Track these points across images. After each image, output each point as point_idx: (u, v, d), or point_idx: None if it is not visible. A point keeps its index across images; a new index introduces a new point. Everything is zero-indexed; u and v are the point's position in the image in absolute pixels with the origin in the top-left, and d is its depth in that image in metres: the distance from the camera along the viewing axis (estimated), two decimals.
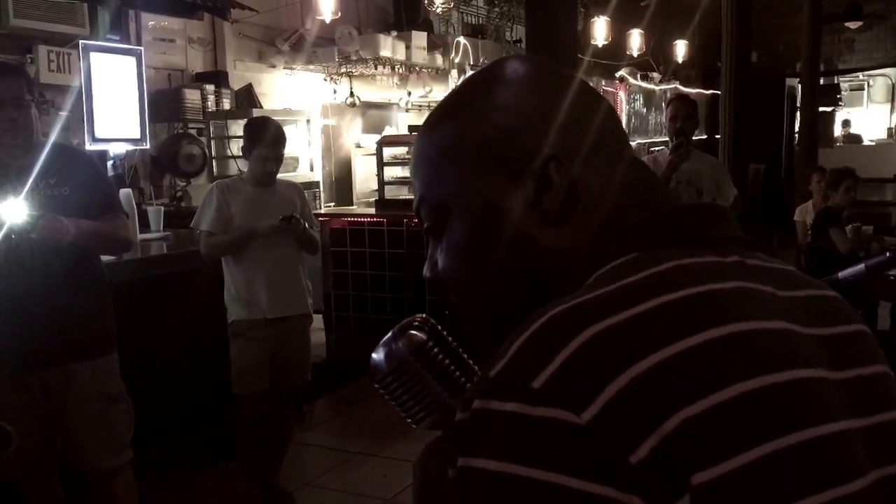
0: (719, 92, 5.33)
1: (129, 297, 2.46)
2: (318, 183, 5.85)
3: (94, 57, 4.04)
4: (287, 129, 3.00)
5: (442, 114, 0.60)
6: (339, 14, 5.07)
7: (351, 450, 3.24)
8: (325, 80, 6.30)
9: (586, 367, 0.43)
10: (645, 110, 9.45)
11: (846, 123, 11.66)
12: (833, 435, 0.46)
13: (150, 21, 5.02)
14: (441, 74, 6.54)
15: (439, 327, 0.59)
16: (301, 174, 5.45)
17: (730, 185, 3.46)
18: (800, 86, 8.09)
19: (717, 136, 5.36)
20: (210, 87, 5.19)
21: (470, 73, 5.17)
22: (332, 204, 6.14)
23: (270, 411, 2.68)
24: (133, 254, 2.71)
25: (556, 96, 0.57)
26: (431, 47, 6.41)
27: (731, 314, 0.46)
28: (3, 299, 1.88)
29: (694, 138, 3.37)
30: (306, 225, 2.67)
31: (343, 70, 6.14)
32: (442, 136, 0.58)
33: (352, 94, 6.30)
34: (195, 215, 2.68)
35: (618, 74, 8.71)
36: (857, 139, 11.11)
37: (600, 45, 7.14)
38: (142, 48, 4.55)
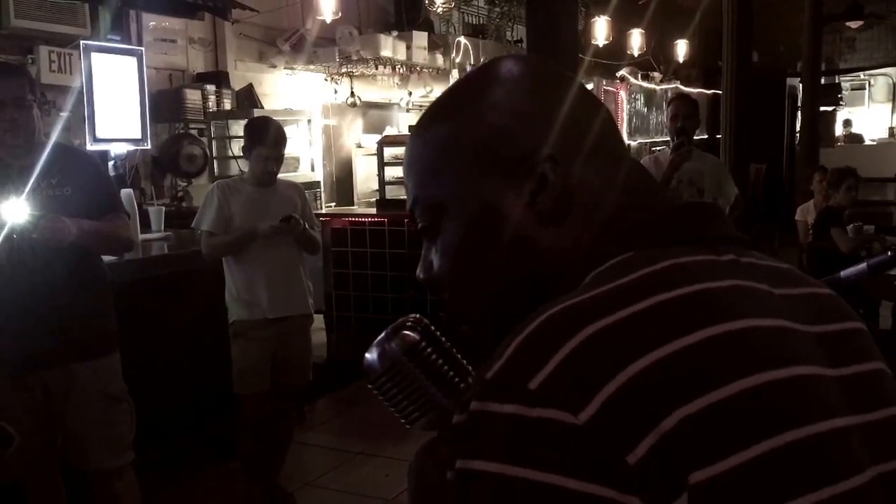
0: (720, 92, 5.33)
1: (131, 298, 2.46)
2: (318, 183, 5.85)
3: (95, 57, 4.04)
4: (288, 130, 3.00)
5: (436, 113, 0.59)
6: (340, 14, 5.07)
7: (352, 450, 3.24)
8: (326, 80, 6.30)
9: (583, 367, 0.43)
10: (646, 110, 9.45)
11: (847, 123, 11.65)
12: (831, 432, 0.46)
13: (151, 21, 5.02)
14: (442, 74, 6.54)
15: (432, 327, 0.59)
16: (302, 174, 5.45)
17: (731, 185, 3.46)
18: (801, 85, 8.08)
19: (719, 136, 5.36)
20: (211, 88, 5.19)
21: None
22: (333, 204, 6.14)
23: (271, 411, 2.68)
24: (134, 254, 2.71)
25: (552, 96, 0.57)
26: (432, 47, 6.41)
27: (728, 312, 0.46)
28: (4, 299, 1.88)
29: (695, 138, 3.36)
30: (307, 225, 2.67)
31: (344, 70, 6.14)
32: (436, 135, 0.58)
33: (352, 94, 6.30)
34: (196, 215, 2.68)
35: (619, 74, 8.70)
36: (858, 139, 11.10)
37: (601, 45, 7.14)
38: (143, 48, 4.56)
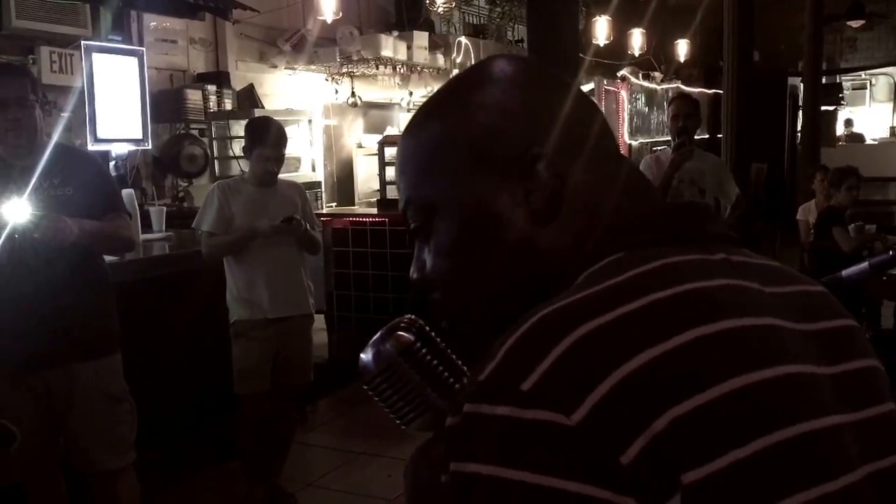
0: (721, 91, 5.32)
1: (131, 298, 2.46)
2: (319, 183, 5.85)
3: (96, 58, 4.04)
4: (289, 130, 3.00)
5: (428, 112, 0.59)
6: (341, 14, 5.07)
7: (354, 450, 3.24)
8: (327, 80, 6.30)
9: (575, 368, 0.43)
10: (647, 110, 9.44)
11: (848, 122, 11.64)
12: (823, 430, 0.46)
13: (152, 22, 5.02)
14: (442, 74, 6.54)
15: (427, 328, 0.59)
16: (303, 174, 5.45)
17: (732, 185, 3.46)
18: (802, 85, 8.08)
19: (720, 136, 5.35)
20: (212, 88, 5.19)
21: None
22: (334, 204, 6.14)
23: (271, 411, 2.68)
24: (135, 254, 2.71)
25: (544, 95, 0.57)
26: (433, 47, 6.41)
27: (719, 311, 0.46)
28: (6, 299, 1.88)
29: (696, 137, 3.36)
30: (307, 225, 2.67)
31: (344, 70, 6.14)
32: (428, 135, 0.58)
33: (353, 94, 6.30)
34: (196, 216, 2.69)
35: (619, 74, 8.70)
36: (859, 138, 11.09)
37: (602, 45, 7.14)
38: (144, 49, 4.56)
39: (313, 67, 6.06)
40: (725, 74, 5.22)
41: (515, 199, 0.54)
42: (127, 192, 2.93)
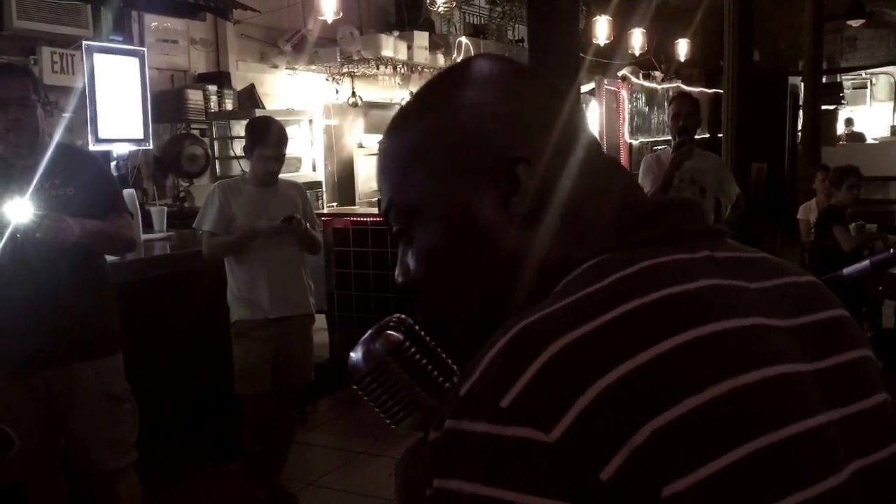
0: (721, 90, 5.32)
1: (132, 297, 2.46)
2: (320, 183, 5.85)
3: (98, 58, 4.04)
4: (289, 130, 3.00)
5: (407, 115, 0.59)
6: (341, 14, 5.07)
7: (355, 450, 3.24)
8: (328, 80, 6.30)
9: (553, 383, 0.42)
10: (647, 109, 9.44)
11: (849, 122, 11.64)
12: (807, 432, 0.46)
13: (153, 22, 5.03)
14: None
15: (416, 326, 0.59)
16: (303, 174, 5.45)
17: (732, 184, 3.46)
18: (802, 84, 8.08)
19: (720, 135, 5.35)
20: (212, 88, 5.19)
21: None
22: (335, 204, 6.14)
23: (272, 411, 2.68)
24: (136, 254, 2.71)
25: (523, 96, 0.56)
26: (433, 47, 6.41)
27: (699, 316, 0.46)
28: (8, 299, 1.89)
29: (696, 137, 3.36)
30: (308, 225, 2.67)
31: (345, 70, 6.14)
32: (408, 137, 0.57)
33: (354, 94, 6.30)
34: (197, 216, 2.69)
35: (620, 73, 8.70)
36: (860, 137, 11.09)
37: (602, 45, 7.14)
38: (145, 49, 4.56)
39: (314, 67, 6.06)
40: (726, 74, 5.23)
41: (496, 202, 0.53)
42: (128, 192, 2.93)
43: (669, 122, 3.35)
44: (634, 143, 9.07)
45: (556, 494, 0.41)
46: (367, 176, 6.46)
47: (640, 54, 8.28)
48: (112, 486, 2.05)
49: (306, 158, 5.70)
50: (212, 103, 5.15)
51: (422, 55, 6.22)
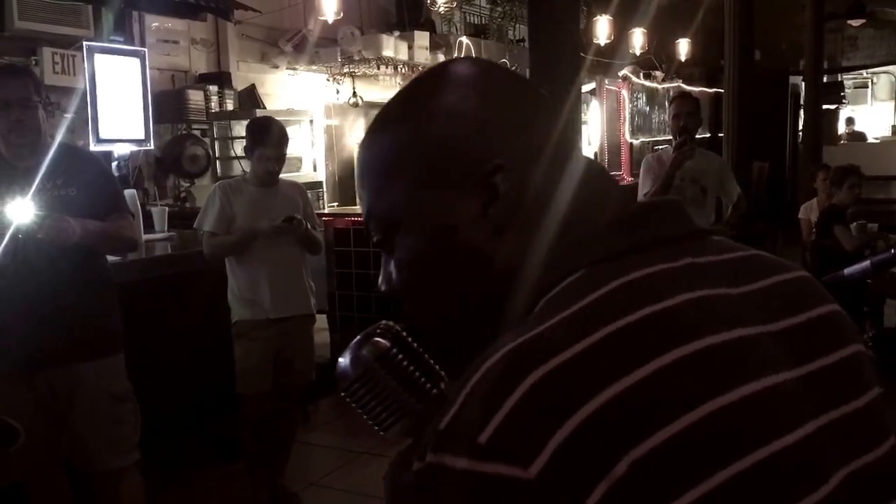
0: (722, 90, 5.32)
1: (134, 298, 2.47)
2: (321, 183, 5.85)
3: (99, 58, 4.04)
4: (290, 130, 3.00)
5: (384, 122, 0.57)
6: (342, 14, 5.07)
7: (356, 449, 3.25)
8: (328, 80, 6.30)
9: (530, 417, 0.42)
10: (648, 109, 9.44)
11: (850, 121, 11.63)
12: (793, 445, 0.45)
13: (154, 22, 5.03)
14: None
15: (403, 333, 0.59)
16: (304, 174, 5.46)
17: (734, 184, 3.46)
18: (803, 83, 8.07)
19: (721, 135, 5.35)
20: (213, 88, 5.20)
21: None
22: (336, 204, 6.15)
23: (272, 411, 2.68)
24: (137, 254, 2.72)
25: (502, 102, 0.55)
26: (434, 47, 6.41)
27: (679, 335, 0.45)
28: (9, 299, 1.89)
29: (697, 136, 3.36)
30: (309, 225, 2.68)
31: (346, 70, 6.14)
32: (384, 146, 0.56)
33: (354, 94, 6.30)
34: (198, 216, 2.69)
35: (620, 73, 8.70)
36: (861, 137, 11.08)
37: (603, 44, 7.14)
38: (145, 49, 4.56)
39: (314, 67, 6.06)
40: (726, 73, 5.23)
41: (474, 212, 0.52)
42: (129, 193, 2.93)
43: (670, 122, 3.35)
44: (635, 142, 9.07)
45: None
46: None
47: (641, 54, 8.28)
48: (114, 485, 2.06)
49: (307, 158, 5.70)
50: (213, 103, 5.15)
51: (422, 55, 6.22)
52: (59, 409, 1.98)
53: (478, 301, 0.54)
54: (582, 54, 3.98)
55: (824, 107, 8.43)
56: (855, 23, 9.68)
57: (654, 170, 3.25)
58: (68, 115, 3.85)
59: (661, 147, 5.56)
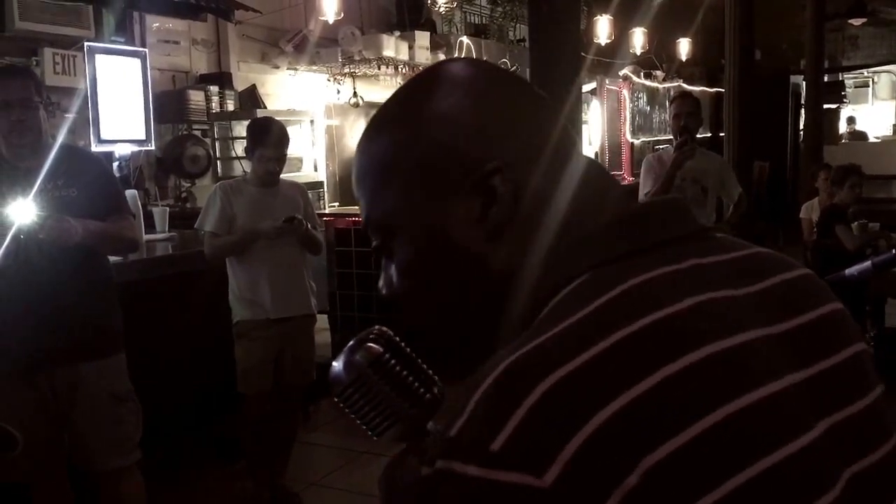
0: (723, 90, 5.32)
1: (135, 298, 2.47)
2: (321, 183, 5.86)
3: (100, 59, 4.04)
4: (291, 130, 3.01)
5: (379, 125, 0.56)
6: (342, 14, 5.07)
7: (357, 449, 3.25)
8: (329, 80, 6.31)
9: (544, 425, 0.41)
10: (648, 109, 9.43)
11: (851, 120, 11.62)
12: (802, 450, 0.45)
13: (155, 23, 5.03)
14: None
15: (396, 338, 0.59)
16: (305, 174, 5.46)
17: (735, 184, 3.46)
18: (804, 83, 8.07)
19: (722, 134, 5.35)
20: (214, 89, 5.20)
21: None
22: (337, 204, 6.15)
23: (273, 411, 2.69)
24: (138, 254, 2.72)
25: (498, 102, 0.54)
26: (434, 47, 6.41)
27: (687, 342, 0.44)
28: (11, 299, 1.89)
29: (698, 136, 3.36)
30: (309, 225, 2.68)
31: (346, 70, 6.15)
32: (380, 148, 0.55)
33: (355, 94, 6.31)
34: (199, 216, 2.69)
35: (621, 73, 8.69)
36: (862, 136, 11.07)
37: (603, 44, 7.14)
38: (146, 50, 4.56)
39: (315, 68, 6.06)
40: (727, 73, 5.22)
41: (471, 216, 0.51)
42: (130, 193, 2.93)
43: (671, 122, 3.35)
44: (636, 142, 9.06)
45: None
46: None
47: (642, 53, 8.28)
48: (116, 485, 2.06)
49: (307, 159, 5.70)
50: (213, 104, 5.15)
51: (423, 55, 6.22)
52: (59, 408, 1.98)
53: (477, 304, 0.54)
54: (582, 54, 3.98)
55: (825, 106, 8.42)
56: (856, 22, 9.67)
57: (654, 170, 3.25)
58: (69, 116, 3.85)
59: (661, 147, 5.55)
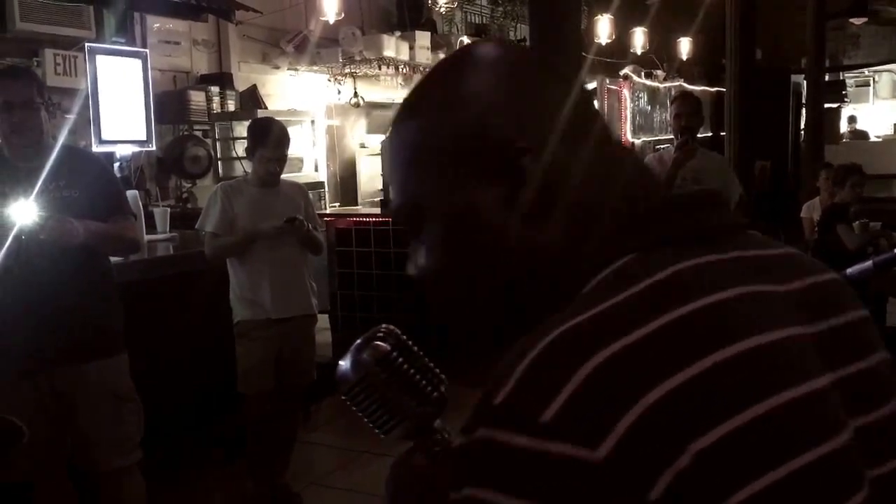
0: (724, 89, 5.32)
1: (135, 298, 2.47)
2: (322, 183, 5.86)
3: (100, 60, 4.05)
4: (291, 130, 3.01)
5: (408, 108, 0.57)
6: (343, 15, 5.07)
7: (358, 449, 3.25)
8: (329, 80, 6.31)
9: (597, 398, 0.41)
10: (649, 108, 9.42)
11: (852, 119, 11.62)
12: (838, 450, 0.45)
13: (156, 23, 5.04)
14: None
15: (404, 336, 0.59)
16: (305, 175, 5.46)
17: (736, 184, 3.46)
18: (805, 82, 8.06)
19: (723, 134, 5.35)
20: (215, 89, 5.20)
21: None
22: (337, 204, 6.15)
23: (273, 411, 2.69)
24: (139, 255, 2.72)
25: (527, 84, 0.54)
26: (435, 47, 6.41)
27: (737, 330, 0.45)
28: (12, 299, 1.90)
29: (699, 136, 3.36)
30: (310, 226, 2.68)
31: (347, 70, 6.15)
32: (409, 133, 0.55)
33: (356, 94, 6.31)
34: (200, 217, 2.70)
35: (622, 72, 8.69)
36: (863, 135, 11.06)
37: (604, 44, 7.13)
38: (147, 50, 4.57)
39: (316, 68, 6.06)
40: (728, 72, 5.22)
41: (503, 196, 0.51)
42: (131, 194, 2.93)
43: (672, 122, 3.34)
44: (637, 142, 9.05)
45: None
46: (369, 176, 6.47)
47: (642, 53, 8.28)
48: (117, 485, 2.06)
49: (308, 159, 5.71)
50: (214, 104, 5.16)
51: (424, 55, 6.22)
52: (61, 409, 1.98)
53: (505, 284, 0.53)
54: (583, 54, 3.98)
55: (826, 105, 8.42)
56: (857, 21, 9.66)
57: (655, 169, 3.25)
58: (70, 117, 3.86)
59: (662, 146, 5.55)
